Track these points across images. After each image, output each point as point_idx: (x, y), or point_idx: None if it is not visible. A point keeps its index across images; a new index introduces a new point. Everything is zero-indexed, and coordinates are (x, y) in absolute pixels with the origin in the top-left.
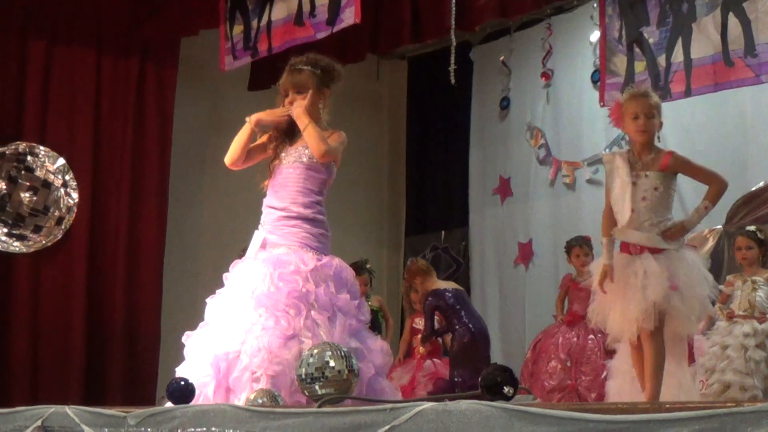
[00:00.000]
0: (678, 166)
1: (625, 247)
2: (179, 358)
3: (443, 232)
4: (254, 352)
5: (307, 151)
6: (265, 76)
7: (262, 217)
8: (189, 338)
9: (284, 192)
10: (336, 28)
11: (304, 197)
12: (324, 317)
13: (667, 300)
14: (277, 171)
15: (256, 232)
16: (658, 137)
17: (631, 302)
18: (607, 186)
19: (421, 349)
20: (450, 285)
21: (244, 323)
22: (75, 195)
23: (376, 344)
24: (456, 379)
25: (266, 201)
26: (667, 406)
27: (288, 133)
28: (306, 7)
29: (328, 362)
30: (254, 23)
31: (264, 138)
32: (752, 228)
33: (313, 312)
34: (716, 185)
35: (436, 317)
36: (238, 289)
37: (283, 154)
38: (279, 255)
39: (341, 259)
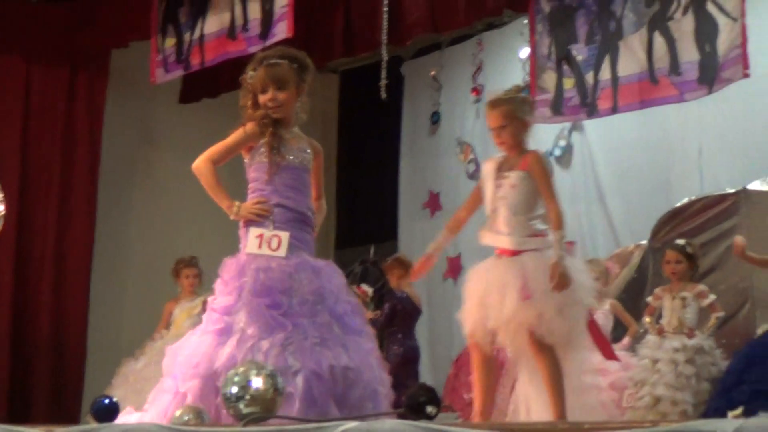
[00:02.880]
0: (534, 168)
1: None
2: (106, 373)
3: (373, 246)
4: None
5: (306, 155)
6: (196, 89)
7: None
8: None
9: (294, 193)
10: (268, 42)
11: (310, 203)
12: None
13: (522, 312)
14: (280, 169)
15: (272, 230)
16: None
17: (490, 312)
18: (476, 188)
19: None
20: (410, 291)
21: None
22: (1, 207)
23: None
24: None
25: (272, 198)
26: (587, 426)
27: (279, 124)
28: (239, 21)
29: (252, 381)
30: (186, 36)
31: (238, 136)
32: (681, 242)
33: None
34: (554, 213)
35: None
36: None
37: (283, 150)
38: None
39: None
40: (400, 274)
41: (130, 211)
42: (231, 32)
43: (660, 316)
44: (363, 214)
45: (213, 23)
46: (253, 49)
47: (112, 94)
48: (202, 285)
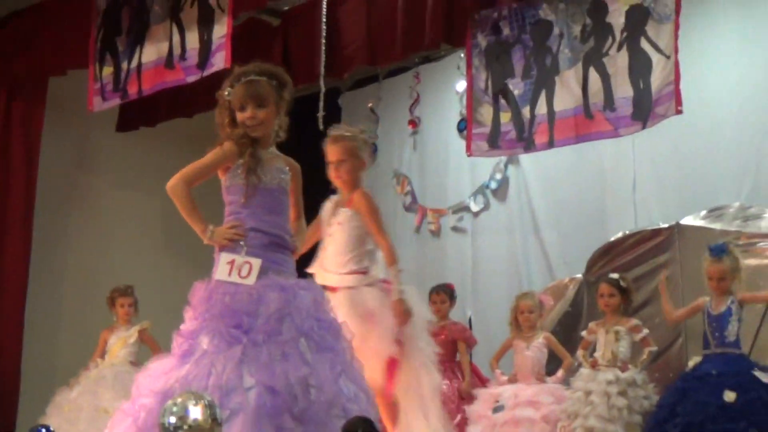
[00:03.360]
0: (360, 205)
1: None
2: (40, 402)
3: (308, 276)
4: None
5: (284, 176)
6: (134, 117)
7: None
8: None
9: (271, 216)
10: (206, 72)
11: (288, 226)
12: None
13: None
14: (257, 191)
15: (244, 257)
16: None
17: None
18: (315, 223)
19: None
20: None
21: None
22: None
23: None
24: None
25: (248, 221)
26: None
27: (257, 143)
28: (176, 51)
29: (189, 411)
30: (124, 65)
31: (215, 155)
32: (615, 276)
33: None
34: (387, 249)
35: None
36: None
37: (260, 171)
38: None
39: None
40: None
41: (66, 238)
42: (169, 61)
43: (594, 350)
44: None
45: (151, 52)
46: (190, 79)
47: (49, 121)
48: (138, 314)
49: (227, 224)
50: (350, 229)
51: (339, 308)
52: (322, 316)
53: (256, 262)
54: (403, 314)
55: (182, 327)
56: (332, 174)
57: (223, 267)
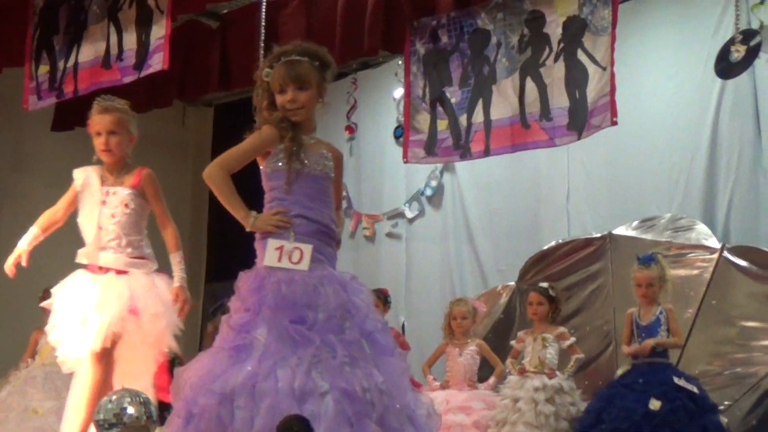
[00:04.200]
0: (146, 186)
1: (92, 267)
2: None
3: None
4: None
5: (328, 162)
6: (69, 117)
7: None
8: None
9: (316, 203)
10: (143, 74)
11: (333, 215)
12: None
13: (122, 323)
14: (300, 177)
15: (293, 243)
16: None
17: (85, 322)
18: (72, 193)
19: None
20: None
21: None
22: None
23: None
24: None
25: (293, 208)
26: None
27: (298, 128)
28: (114, 51)
29: (126, 408)
30: (61, 64)
31: (254, 140)
32: (544, 285)
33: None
34: (172, 234)
35: None
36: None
37: (303, 156)
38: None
39: None
40: None
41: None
42: (106, 62)
43: (523, 358)
44: (235, 248)
45: (88, 52)
46: (127, 80)
47: None
48: None
49: (271, 211)
50: (136, 210)
51: (124, 286)
52: (379, 316)
53: (307, 248)
54: (185, 303)
55: (232, 319)
56: (100, 147)
57: (271, 253)
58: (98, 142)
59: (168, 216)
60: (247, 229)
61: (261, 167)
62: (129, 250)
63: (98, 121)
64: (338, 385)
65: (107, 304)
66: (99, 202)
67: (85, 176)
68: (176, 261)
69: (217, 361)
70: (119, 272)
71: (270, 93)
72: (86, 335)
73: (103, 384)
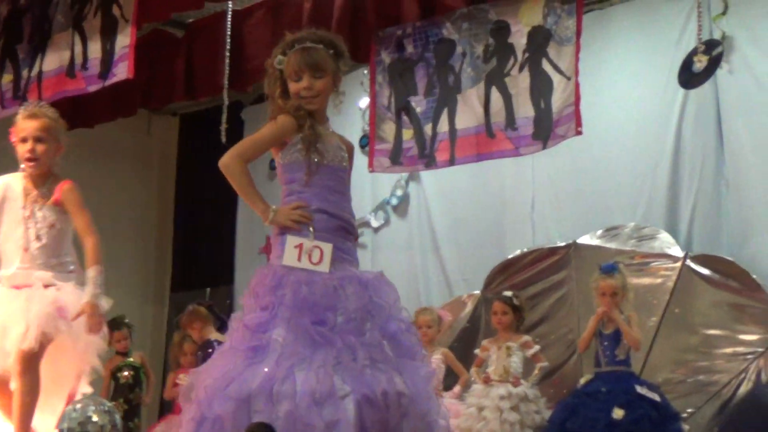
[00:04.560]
0: (67, 201)
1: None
2: None
3: (208, 290)
4: None
5: (343, 154)
6: None
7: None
8: None
9: (336, 197)
10: (108, 83)
11: (351, 208)
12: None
13: (53, 322)
14: (319, 169)
15: (313, 241)
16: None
17: (12, 327)
18: None
19: None
20: (223, 338)
21: None
22: None
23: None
24: None
25: (312, 202)
26: None
27: (314, 117)
28: (78, 60)
29: (90, 417)
30: (24, 73)
31: (271, 129)
32: (508, 294)
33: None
34: (93, 247)
35: None
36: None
37: (321, 147)
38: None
39: None
40: (202, 325)
41: None
42: (70, 70)
43: (488, 366)
44: (200, 257)
45: (52, 60)
46: (92, 89)
47: None
48: None
49: (291, 205)
50: (62, 228)
51: (50, 295)
52: (404, 316)
53: (327, 247)
54: (94, 320)
55: (246, 318)
56: (25, 154)
57: (290, 251)
58: (23, 150)
59: (90, 228)
60: (266, 224)
61: (276, 159)
62: (57, 267)
63: (24, 126)
64: (359, 389)
65: (33, 307)
66: (22, 219)
67: (5, 188)
68: (92, 275)
69: (232, 362)
70: (46, 286)
71: (283, 81)
72: (10, 343)
73: (37, 389)
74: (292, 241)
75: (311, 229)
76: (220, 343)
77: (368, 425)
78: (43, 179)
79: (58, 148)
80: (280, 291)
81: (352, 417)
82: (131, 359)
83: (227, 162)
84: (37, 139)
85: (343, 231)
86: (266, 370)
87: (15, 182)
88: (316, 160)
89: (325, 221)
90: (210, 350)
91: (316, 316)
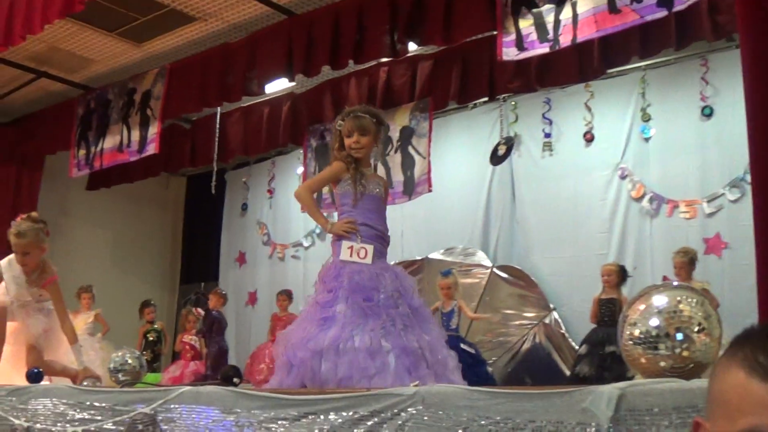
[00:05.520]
0: (52, 294)
1: None
2: None
3: (202, 284)
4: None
5: (380, 189)
6: (98, 181)
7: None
8: None
9: (374, 216)
10: (143, 155)
11: (386, 224)
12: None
13: (43, 335)
14: (363, 196)
15: (360, 243)
16: None
17: None
18: None
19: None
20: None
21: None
22: None
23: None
24: (208, 373)
25: (358, 218)
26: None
27: (359, 162)
28: (125, 141)
29: (127, 360)
30: (92, 149)
31: (328, 171)
32: None
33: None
34: (70, 330)
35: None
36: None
37: (364, 181)
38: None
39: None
40: (216, 300)
41: (53, 259)
42: (120, 147)
43: None
44: (198, 263)
45: (109, 141)
46: (133, 159)
47: (44, 184)
48: (95, 303)
49: (343, 220)
50: (53, 309)
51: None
52: (418, 296)
53: (370, 248)
54: (91, 375)
55: (317, 299)
56: (20, 261)
57: (345, 251)
58: (16, 257)
59: (66, 314)
60: (326, 232)
61: (333, 191)
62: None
63: (14, 242)
64: (398, 345)
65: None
66: (27, 305)
67: (12, 274)
68: (77, 351)
69: (309, 328)
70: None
71: (340, 138)
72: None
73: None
74: (345, 244)
75: (358, 236)
76: (219, 314)
77: (409, 367)
78: (35, 271)
79: (41, 251)
80: (339, 278)
81: (392, 366)
82: (156, 326)
83: (300, 192)
84: (24, 254)
85: (380, 238)
86: (334, 333)
87: (17, 267)
88: (360, 191)
89: (367, 231)
90: (211, 319)
91: (365, 295)
